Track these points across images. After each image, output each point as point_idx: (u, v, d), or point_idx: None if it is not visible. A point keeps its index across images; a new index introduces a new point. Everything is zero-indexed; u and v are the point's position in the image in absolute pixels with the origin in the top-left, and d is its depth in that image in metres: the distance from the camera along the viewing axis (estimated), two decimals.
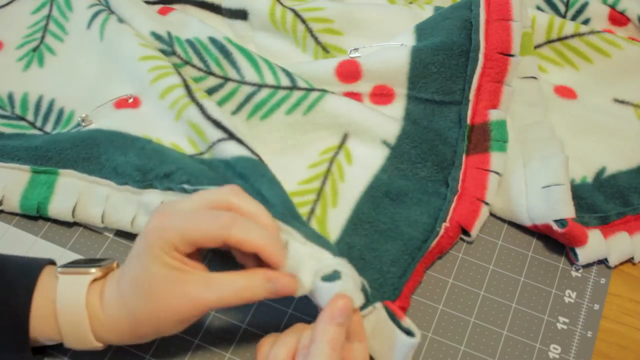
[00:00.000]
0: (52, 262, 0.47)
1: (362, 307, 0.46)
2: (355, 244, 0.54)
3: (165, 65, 0.61)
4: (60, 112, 0.63)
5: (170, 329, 0.45)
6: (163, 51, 0.63)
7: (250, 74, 0.62)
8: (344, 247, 0.54)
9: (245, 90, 0.61)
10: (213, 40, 0.63)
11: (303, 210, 0.56)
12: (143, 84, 0.61)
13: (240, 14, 0.69)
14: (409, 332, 0.45)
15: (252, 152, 0.56)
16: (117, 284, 0.45)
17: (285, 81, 0.61)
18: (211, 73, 0.62)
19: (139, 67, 0.61)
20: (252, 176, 0.54)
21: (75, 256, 0.55)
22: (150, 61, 0.61)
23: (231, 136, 0.57)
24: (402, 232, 0.55)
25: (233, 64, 0.62)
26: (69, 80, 0.65)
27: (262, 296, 0.43)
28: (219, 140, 0.57)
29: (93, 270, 0.45)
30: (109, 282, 0.46)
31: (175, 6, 0.71)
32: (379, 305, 0.47)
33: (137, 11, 0.66)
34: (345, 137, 0.61)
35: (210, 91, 0.62)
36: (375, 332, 0.46)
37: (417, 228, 0.55)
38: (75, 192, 0.56)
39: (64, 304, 0.44)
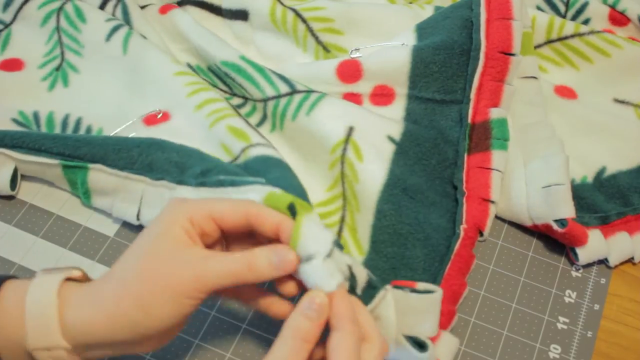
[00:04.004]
0: (14, 277, 0.44)
1: (370, 300, 0.45)
2: (383, 253, 0.53)
3: (202, 81, 0.62)
4: (88, 130, 0.61)
5: (163, 310, 0.41)
6: None
7: (253, 91, 0.62)
8: (374, 259, 0.53)
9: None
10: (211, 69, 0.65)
11: (335, 219, 0.56)
12: (177, 98, 0.61)
13: (241, 15, 0.69)
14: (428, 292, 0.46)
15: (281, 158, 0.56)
16: (108, 274, 0.43)
17: (284, 88, 0.61)
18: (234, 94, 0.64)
19: (174, 82, 0.61)
20: (267, 170, 0.53)
21: (76, 256, 0.55)
22: (186, 76, 0.62)
23: (270, 145, 0.57)
24: (428, 236, 0.54)
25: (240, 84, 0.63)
26: (95, 97, 0.64)
27: (265, 269, 0.42)
28: (258, 144, 0.57)
29: (71, 271, 0.44)
30: (98, 280, 0.43)
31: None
32: (389, 287, 0.46)
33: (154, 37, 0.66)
34: (350, 130, 0.58)
35: None
36: (402, 310, 0.46)
37: (440, 232, 0.55)
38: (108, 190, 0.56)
39: (34, 297, 0.41)
